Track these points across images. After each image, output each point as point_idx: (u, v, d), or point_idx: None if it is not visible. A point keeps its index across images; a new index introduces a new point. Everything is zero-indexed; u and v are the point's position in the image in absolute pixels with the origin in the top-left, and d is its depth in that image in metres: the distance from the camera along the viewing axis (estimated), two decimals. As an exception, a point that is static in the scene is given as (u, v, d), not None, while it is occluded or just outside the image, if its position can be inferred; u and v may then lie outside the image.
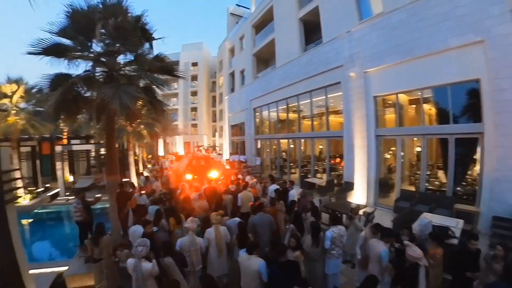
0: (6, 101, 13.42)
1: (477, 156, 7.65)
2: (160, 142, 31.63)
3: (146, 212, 6.80)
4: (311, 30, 14.86)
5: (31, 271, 4.72)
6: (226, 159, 24.36)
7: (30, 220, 12.17)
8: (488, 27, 6.78)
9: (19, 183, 4.66)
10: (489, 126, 6.99)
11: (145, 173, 17.47)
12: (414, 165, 11.22)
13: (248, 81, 22.31)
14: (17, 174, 4.54)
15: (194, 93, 43.00)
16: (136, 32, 6.41)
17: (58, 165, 15.33)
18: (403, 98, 9.96)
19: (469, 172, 8.68)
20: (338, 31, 11.42)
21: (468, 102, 7.79)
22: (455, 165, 7.98)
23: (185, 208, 6.82)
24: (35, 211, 13.22)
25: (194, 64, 42.05)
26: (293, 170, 16.80)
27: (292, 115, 16.51)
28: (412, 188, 10.06)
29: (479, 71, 7.07)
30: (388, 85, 9.55)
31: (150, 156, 29.73)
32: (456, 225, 5.87)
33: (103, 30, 6.07)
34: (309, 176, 14.18)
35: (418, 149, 9.84)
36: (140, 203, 7.85)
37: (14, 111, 13.53)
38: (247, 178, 11.20)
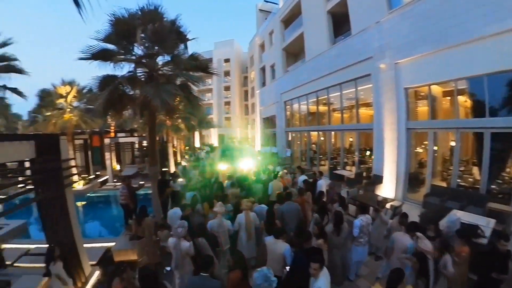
0: (62, 101, 14.98)
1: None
2: (196, 134, 32.77)
3: (182, 198, 7.31)
4: (340, 22, 14.45)
5: (84, 245, 5.36)
6: (258, 150, 24.73)
7: (83, 203, 13.52)
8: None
9: (75, 171, 5.30)
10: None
11: (183, 163, 18.36)
12: (447, 160, 10.49)
13: (279, 75, 22.29)
14: (73, 163, 5.18)
15: (227, 88, 43.86)
16: (172, 35, 6.81)
17: (107, 155, 16.69)
18: (436, 89, 9.32)
19: (506, 170, 7.97)
20: (367, 22, 10.98)
21: (507, 94, 7.08)
22: (490, 161, 7.33)
23: (219, 195, 7.20)
24: (88, 195, 14.65)
25: (227, 61, 42.80)
26: (322, 162, 16.66)
27: (322, 108, 16.29)
28: (444, 184, 9.44)
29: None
30: (420, 76, 9.03)
31: (188, 147, 30.96)
32: (487, 224, 5.51)
33: (143, 35, 6.53)
34: (339, 168, 14.00)
35: (452, 143, 9.13)
36: (176, 190, 8.48)
37: (69, 109, 15.06)
38: (278, 168, 11.40)
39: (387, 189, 9.97)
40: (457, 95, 8.29)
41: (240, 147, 29.93)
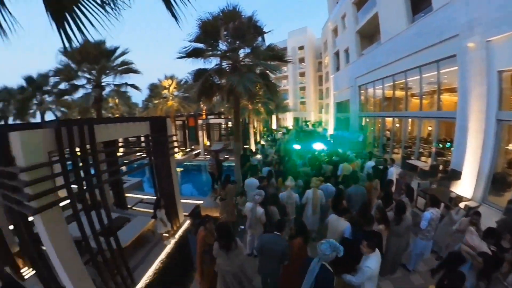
0: (165, 91, 17.89)
1: None
2: (273, 118, 33.64)
3: (258, 171, 8.06)
4: (418, -3, 12.07)
5: (181, 200, 6.44)
6: (330, 134, 24.04)
7: (181, 169, 16.01)
8: None
9: (176, 144, 6.41)
10: None
11: (262, 142, 19.40)
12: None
13: (353, 59, 20.54)
14: (175, 138, 6.32)
15: (302, 74, 43.07)
16: (250, 30, 7.26)
17: (200, 133, 19.20)
18: None
19: None
20: None
21: None
22: None
23: (291, 171, 7.59)
24: (184, 163, 17.35)
25: (301, 48, 41.83)
26: (395, 150, 15.16)
27: (398, 93, 14.48)
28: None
29: None
30: None
31: (266, 129, 32.07)
32: None
33: (225, 33, 7.15)
34: (412, 158, 12.59)
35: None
36: (253, 164, 9.31)
37: (171, 98, 17.84)
38: (349, 152, 11.11)
39: (465, 187, 8.30)
40: None
41: (313, 130, 29.48)
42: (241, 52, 8.04)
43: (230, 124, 22.29)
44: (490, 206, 7.45)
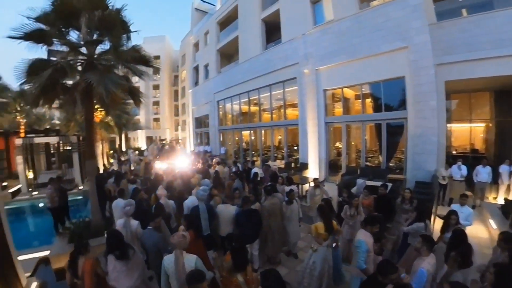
0: None
1: (404, 135, 9.20)
2: (122, 137, 29.98)
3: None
4: (272, 30, 15.74)
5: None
6: (191, 150, 24.48)
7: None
8: (411, 36, 8.37)
9: None
10: (411, 112, 8.64)
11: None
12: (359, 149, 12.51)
13: (212, 75, 22.34)
14: None
15: (156, 87, 41.15)
16: (117, 24, 6.65)
17: (18, 159, 13.32)
18: (348, 91, 11.63)
19: (398, 149, 10.17)
20: (295, 33, 12.54)
21: (396, 94, 9.42)
22: (387, 144, 9.64)
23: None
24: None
25: (157, 57, 39.18)
26: (255, 158, 17.56)
27: (253, 108, 17.28)
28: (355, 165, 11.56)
29: (404, 70, 8.67)
30: (336, 81, 11.03)
31: (112, 151, 27.86)
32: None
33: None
34: (270, 161, 15.10)
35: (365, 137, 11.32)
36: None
37: None
38: (214, 160, 11.97)
39: (312, 172, 11.76)
40: (363, 96, 10.55)
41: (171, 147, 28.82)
42: (100, 48, 7.18)
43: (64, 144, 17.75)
44: (330, 182, 10.86)
